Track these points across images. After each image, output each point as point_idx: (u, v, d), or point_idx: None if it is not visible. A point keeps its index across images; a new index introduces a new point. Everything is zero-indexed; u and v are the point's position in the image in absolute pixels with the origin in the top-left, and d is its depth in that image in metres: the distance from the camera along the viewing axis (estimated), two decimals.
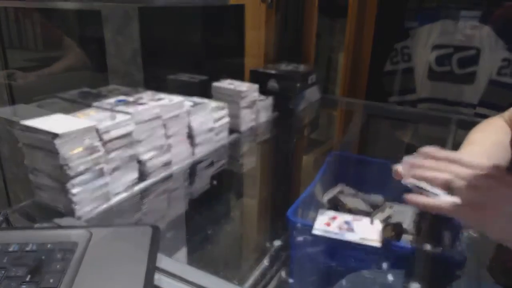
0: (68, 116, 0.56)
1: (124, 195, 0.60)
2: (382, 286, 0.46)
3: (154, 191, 0.63)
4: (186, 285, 0.40)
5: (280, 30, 1.26)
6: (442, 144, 0.49)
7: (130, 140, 0.59)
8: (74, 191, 0.51)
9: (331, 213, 0.55)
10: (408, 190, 0.42)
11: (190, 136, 0.73)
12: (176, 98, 0.69)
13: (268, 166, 0.86)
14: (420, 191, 0.41)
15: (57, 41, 0.84)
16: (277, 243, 0.53)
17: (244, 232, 0.64)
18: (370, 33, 1.37)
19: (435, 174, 0.41)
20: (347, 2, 1.34)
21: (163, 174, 0.67)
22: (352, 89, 1.42)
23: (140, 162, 0.63)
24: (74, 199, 0.51)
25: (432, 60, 1.29)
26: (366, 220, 0.55)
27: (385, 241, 0.49)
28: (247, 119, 0.90)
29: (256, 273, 0.48)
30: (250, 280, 0.47)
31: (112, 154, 0.57)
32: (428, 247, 0.50)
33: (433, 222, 0.55)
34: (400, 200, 0.41)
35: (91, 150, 0.53)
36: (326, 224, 0.51)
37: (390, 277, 0.47)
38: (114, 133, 0.57)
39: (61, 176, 0.50)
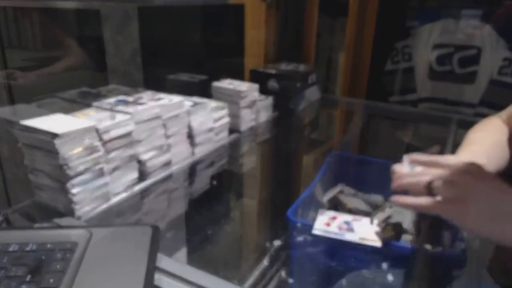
0: (68, 116, 0.56)
1: (124, 195, 0.60)
2: (382, 286, 0.46)
3: (154, 191, 0.63)
4: (186, 285, 0.40)
5: (280, 30, 1.26)
6: (443, 144, 0.49)
7: (130, 140, 0.59)
8: (74, 191, 0.51)
9: (331, 213, 0.55)
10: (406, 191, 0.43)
11: (190, 136, 0.73)
12: (176, 98, 0.69)
13: (268, 166, 0.86)
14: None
15: (57, 41, 0.84)
16: (277, 243, 0.53)
17: (244, 232, 0.64)
18: (370, 32, 1.36)
19: (416, 179, 0.42)
20: (348, 1, 1.33)
21: (163, 174, 0.67)
22: (353, 89, 1.42)
23: (140, 162, 0.63)
24: (74, 199, 0.51)
25: (433, 59, 1.29)
26: (366, 220, 0.55)
27: (385, 241, 0.49)
28: (247, 119, 0.90)
29: (256, 273, 0.48)
30: (250, 280, 0.47)
31: (112, 154, 0.57)
32: (428, 247, 0.50)
33: (433, 222, 0.55)
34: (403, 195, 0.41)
35: (91, 150, 0.53)
36: (326, 224, 0.51)
37: (390, 277, 0.47)
38: (114, 133, 0.56)
39: (61, 176, 0.50)
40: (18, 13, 0.78)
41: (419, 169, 0.45)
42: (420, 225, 0.59)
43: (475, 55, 1.20)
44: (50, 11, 0.81)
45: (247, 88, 0.88)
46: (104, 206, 0.56)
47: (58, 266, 0.37)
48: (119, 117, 0.58)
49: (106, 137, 0.55)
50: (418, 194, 0.41)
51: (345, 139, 1.04)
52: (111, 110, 0.61)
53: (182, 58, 0.89)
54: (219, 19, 0.98)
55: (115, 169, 0.58)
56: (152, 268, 0.39)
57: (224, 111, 0.81)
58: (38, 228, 0.49)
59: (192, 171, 0.72)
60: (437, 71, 1.28)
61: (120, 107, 0.62)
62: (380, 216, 0.62)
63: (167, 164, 0.68)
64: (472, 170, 0.40)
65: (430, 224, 0.56)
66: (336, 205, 0.66)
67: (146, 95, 0.70)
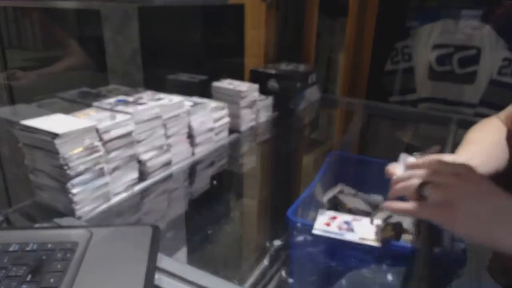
0: (68, 116, 0.56)
1: (124, 195, 0.60)
2: (382, 285, 0.46)
3: (154, 191, 0.64)
4: (186, 285, 0.40)
5: (280, 30, 1.26)
6: (442, 144, 0.49)
7: (130, 140, 0.60)
8: (74, 191, 0.51)
9: (331, 213, 0.55)
10: None
11: (190, 136, 0.73)
12: (176, 98, 0.69)
13: (268, 166, 0.86)
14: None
15: (58, 41, 0.84)
16: (277, 243, 0.53)
17: (244, 232, 0.64)
18: (370, 32, 1.36)
19: (407, 183, 0.42)
20: (348, 2, 1.33)
21: (163, 174, 0.67)
22: (352, 89, 1.42)
23: (140, 162, 0.63)
24: (74, 199, 0.51)
25: (433, 59, 1.29)
26: (366, 220, 0.55)
27: (385, 241, 0.49)
28: (247, 119, 0.90)
29: (256, 272, 0.49)
30: (250, 280, 0.47)
31: (112, 154, 0.57)
32: (428, 247, 0.50)
33: (432, 222, 0.55)
34: (400, 200, 0.41)
35: (91, 150, 0.53)
36: (326, 224, 0.51)
37: (390, 277, 0.47)
38: (114, 133, 0.57)
39: (61, 176, 0.50)
40: (18, 13, 0.78)
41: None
42: (420, 225, 0.59)
43: (475, 55, 1.21)
44: (51, 11, 0.81)
45: (247, 88, 0.88)
46: (104, 206, 0.56)
47: (58, 266, 0.37)
48: (119, 117, 0.58)
49: (106, 137, 0.55)
50: (411, 198, 0.41)
51: (345, 139, 1.04)
52: (111, 110, 0.61)
53: (182, 58, 0.89)
54: (219, 19, 0.98)
55: (115, 169, 0.58)
56: (152, 268, 0.39)
57: (224, 111, 0.81)
58: (39, 228, 0.49)
59: (192, 171, 0.72)
60: (437, 71, 1.28)
61: (120, 107, 0.62)
62: (380, 216, 0.62)
63: (167, 164, 0.68)
64: (461, 173, 0.39)
65: (430, 224, 0.56)
66: (336, 205, 0.66)
67: (146, 95, 0.70)
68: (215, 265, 0.52)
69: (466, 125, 0.62)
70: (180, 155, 0.72)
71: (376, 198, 0.70)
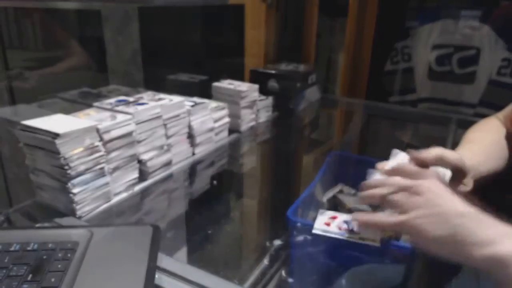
0: (69, 116, 0.56)
1: (124, 195, 0.60)
2: (382, 285, 0.46)
3: (154, 191, 0.64)
4: (186, 285, 0.40)
5: (280, 30, 1.26)
6: (442, 144, 0.49)
7: (130, 140, 0.60)
8: (74, 190, 0.51)
9: (331, 213, 0.55)
10: None
11: (190, 136, 0.73)
12: (176, 98, 0.69)
13: (268, 166, 0.86)
14: None
15: (59, 41, 0.84)
16: (277, 242, 0.53)
17: (244, 232, 0.64)
18: (370, 32, 1.37)
19: (371, 191, 0.41)
20: (348, 2, 1.34)
21: (163, 174, 0.67)
22: (352, 89, 1.42)
23: (140, 162, 0.63)
24: (75, 198, 0.52)
25: (432, 59, 1.29)
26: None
27: (385, 240, 0.50)
28: (247, 119, 0.91)
29: (256, 272, 0.49)
30: (250, 280, 0.48)
31: (113, 154, 0.57)
32: None
33: None
34: None
35: (92, 150, 0.53)
36: (326, 224, 0.51)
37: (389, 276, 0.47)
38: (115, 133, 0.57)
39: (62, 176, 0.50)
40: (19, 13, 0.78)
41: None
42: None
43: (474, 56, 1.21)
44: (51, 12, 0.81)
45: (247, 88, 0.88)
46: (105, 205, 0.56)
47: (59, 266, 0.38)
48: (120, 117, 0.58)
49: (106, 137, 0.55)
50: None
51: (345, 139, 1.04)
52: (111, 110, 0.61)
53: (183, 58, 0.89)
54: (219, 19, 0.99)
55: (115, 169, 0.58)
56: (152, 268, 0.39)
57: (224, 111, 0.82)
58: (39, 228, 0.49)
59: (192, 171, 0.72)
60: (436, 72, 1.28)
61: (120, 107, 0.62)
62: None
63: (168, 164, 0.68)
64: (413, 185, 0.37)
65: None
66: (336, 205, 0.67)
67: (147, 95, 0.70)
68: (215, 264, 0.52)
69: (466, 125, 0.62)
70: (181, 155, 0.72)
71: None
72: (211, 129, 0.78)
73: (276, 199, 0.71)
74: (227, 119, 0.83)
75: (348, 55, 1.40)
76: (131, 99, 0.67)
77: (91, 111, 0.60)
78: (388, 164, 0.47)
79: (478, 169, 0.49)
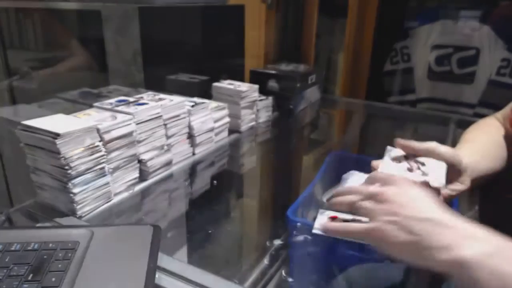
0: (69, 116, 0.57)
1: (125, 194, 0.60)
2: (382, 284, 0.47)
3: (154, 190, 0.64)
4: (186, 284, 0.40)
5: (280, 30, 1.27)
6: (442, 144, 0.49)
7: (130, 140, 0.60)
8: (75, 190, 0.51)
9: (331, 213, 0.55)
10: None
11: (191, 136, 0.73)
12: (177, 98, 0.69)
13: (268, 166, 0.87)
14: None
15: (60, 42, 0.84)
16: (277, 242, 0.53)
17: (244, 232, 0.65)
18: (370, 33, 1.37)
19: (340, 199, 0.41)
20: (347, 2, 1.34)
21: (163, 174, 0.67)
22: (352, 89, 1.42)
23: (140, 162, 0.63)
24: (75, 198, 0.52)
25: (432, 60, 1.29)
26: (365, 219, 0.55)
27: None
28: (247, 119, 0.91)
29: (256, 272, 0.49)
30: (250, 279, 0.48)
31: (113, 154, 0.57)
32: None
33: None
34: None
35: (92, 150, 0.53)
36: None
37: (389, 275, 0.47)
38: (115, 133, 0.57)
39: (63, 176, 0.51)
40: (20, 14, 0.78)
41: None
42: None
43: (473, 56, 1.21)
44: (52, 12, 0.81)
45: (247, 88, 0.88)
46: (105, 205, 0.57)
47: (59, 265, 0.38)
48: (120, 118, 0.58)
49: (107, 137, 0.55)
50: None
51: (345, 139, 1.04)
52: (112, 110, 0.61)
53: (183, 59, 0.90)
54: (219, 20, 0.99)
55: (116, 169, 0.58)
56: (153, 267, 0.39)
57: (224, 112, 0.82)
58: (40, 228, 0.49)
59: (192, 171, 0.72)
60: (436, 72, 1.29)
61: (121, 108, 0.62)
62: None
63: (168, 164, 0.68)
64: (379, 192, 0.37)
65: None
66: None
67: (147, 96, 0.70)
68: (215, 264, 0.52)
69: (465, 125, 0.63)
70: (181, 155, 0.72)
71: None
72: (211, 129, 0.78)
73: (276, 199, 0.71)
74: (227, 119, 0.83)
75: (348, 55, 1.40)
76: (131, 99, 0.67)
77: (91, 111, 0.61)
78: (383, 161, 0.48)
79: (475, 168, 0.49)
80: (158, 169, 0.66)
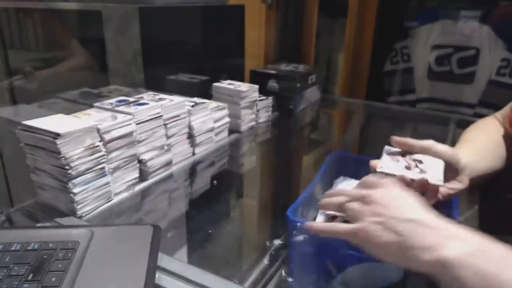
0: (69, 116, 0.57)
1: (125, 194, 0.60)
2: (381, 283, 0.47)
3: (154, 190, 0.64)
4: (186, 284, 0.40)
5: (280, 30, 1.27)
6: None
7: (131, 140, 0.60)
8: (75, 190, 0.51)
9: (331, 212, 0.56)
10: None
11: (191, 136, 0.73)
12: (177, 99, 0.69)
13: (268, 166, 0.87)
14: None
15: (61, 42, 0.85)
16: (277, 242, 0.53)
17: (244, 232, 0.65)
18: (370, 33, 1.37)
19: (328, 200, 0.42)
20: (347, 2, 1.34)
21: (163, 174, 0.67)
22: (352, 89, 1.43)
23: (140, 162, 0.63)
24: (76, 198, 0.52)
25: (432, 60, 1.29)
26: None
27: None
28: (247, 119, 0.91)
29: (256, 271, 0.49)
30: (250, 279, 0.48)
31: (113, 154, 0.57)
32: None
33: None
34: None
35: (92, 150, 0.53)
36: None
37: (389, 275, 0.47)
38: (115, 133, 0.57)
39: (63, 176, 0.51)
40: (20, 14, 0.78)
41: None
42: None
43: (473, 56, 1.21)
44: (53, 12, 0.81)
45: (247, 88, 0.88)
46: (105, 205, 0.57)
47: (59, 265, 0.38)
48: (120, 118, 0.58)
49: (107, 137, 0.56)
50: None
51: (345, 139, 1.04)
52: (112, 110, 0.61)
53: (183, 59, 0.90)
54: (219, 19, 0.99)
55: (116, 169, 0.58)
56: (153, 267, 0.39)
57: (224, 112, 0.82)
58: (40, 227, 0.49)
59: (192, 171, 0.72)
60: (436, 72, 1.29)
61: (121, 108, 0.62)
62: None
63: (168, 164, 0.68)
64: (366, 194, 0.38)
65: None
66: None
67: (147, 96, 0.70)
68: (215, 264, 0.52)
69: (465, 125, 0.63)
70: (181, 155, 0.72)
71: None
72: (211, 129, 0.78)
73: (276, 199, 0.71)
74: (227, 119, 0.83)
75: (348, 56, 1.40)
76: (131, 99, 0.67)
77: (91, 111, 0.61)
78: (381, 160, 0.48)
79: (474, 167, 0.49)
80: (158, 169, 0.66)
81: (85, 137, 0.52)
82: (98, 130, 0.54)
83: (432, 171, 0.45)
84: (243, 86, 0.89)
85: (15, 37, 0.79)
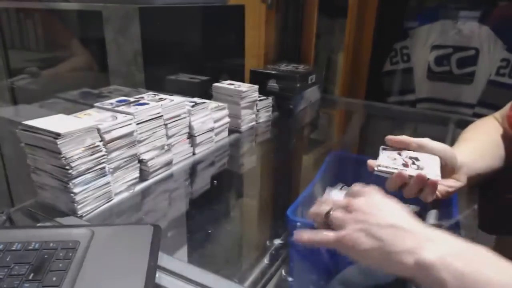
0: (70, 116, 0.57)
1: (125, 194, 0.60)
2: (381, 283, 0.47)
3: (155, 190, 0.64)
4: (187, 283, 0.41)
5: (280, 30, 1.27)
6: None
7: (131, 140, 0.60)
8: (75, 190, 0.51)
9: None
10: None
11: (191, 136, 0.74)
12: (177, 99, 0.70)
13: (268, 166, 0.87)
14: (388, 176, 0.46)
15: (62, 42, 0.85)
16: (277, 242, 0.54)
17: (244, 231, 0.65)
18: (369, 33, 1.37)
19: (315, 209, 0.42)
20: (347, 2, 1.34)
21: (164, 173, 0.67)
22: (352, 89, 1.43)
23: (141, 161, 0.63)
24: (76, 198, 0.52)
25: (431, 60, 1.29)
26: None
27: None
28: (247, 119, 0.91)
29: (256, 271, 0.49)
30: (250, 278, 0.48)
31: (113, 154, 0.57)
32: None
33: (434, 223, 0.55)
34: (399, 198, 0.41)
35: (93, 150, 0.53)
36: None
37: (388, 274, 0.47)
38: (115, 133, 0.57)
39: (63, 176, 0.51)
40: (21, 14, 0.78)
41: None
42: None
43: (473, 56, 1.21)
44: (53, 13, 0.81)
45: (247, 88, 0.88)
46: (106, 205, 0.57)
47: (60, 265, 0.38)
48: (121, 118, 0.58)
49: (107, 137, 0.56)
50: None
51: (345, 139, 1.04)
52: (112, 110, 0.62)
53: (183, 59, 0.90)
54: (219, 20, 0.99)
55: (116, 168, 0.58)
56: (153, 267, 0.39)
57: (225, 112, 0.82)
58: (41, 227, 0.49)
59: (192, 171, 0.73)
60: (435, 72, 1.29)
61: (121, 108, 0.62)
62: None
63: (168, 164, 0.69)
64: (348, 203, 0.38)
65: (429, 223, 0.56)
66: None
67: (147, 96, 0.70)
68: (215, 263, 0.52)
69: (465, 125, 0.63)
70: (181, 155, 0.72)
71: None
72: (211, 129, 0.78)
73: (276, 199, 0.71)
74: (227, 119, 0.83)
75: (348, 56, 1.40)
76: (132, 99, 0.67)
77: (92, 111, 0.61)
78: (378, 160, 0.48)
79: (472, 166, 0.49)
80: (159, 169, 0.66)
81: (86, 137, 0.52)
82: (98, 130, 0.54)
83: (429, 167, 0.45)
84: (243, 86, 0.89)
85: (15, 38, 0.80)
